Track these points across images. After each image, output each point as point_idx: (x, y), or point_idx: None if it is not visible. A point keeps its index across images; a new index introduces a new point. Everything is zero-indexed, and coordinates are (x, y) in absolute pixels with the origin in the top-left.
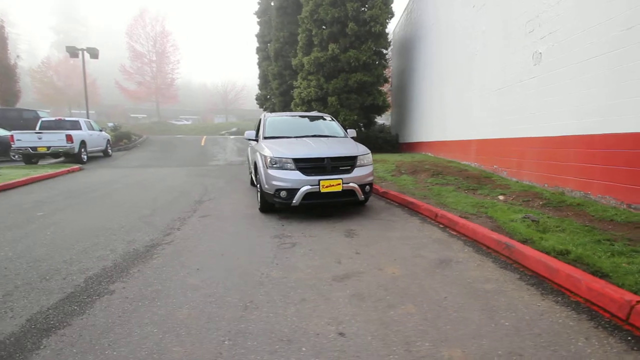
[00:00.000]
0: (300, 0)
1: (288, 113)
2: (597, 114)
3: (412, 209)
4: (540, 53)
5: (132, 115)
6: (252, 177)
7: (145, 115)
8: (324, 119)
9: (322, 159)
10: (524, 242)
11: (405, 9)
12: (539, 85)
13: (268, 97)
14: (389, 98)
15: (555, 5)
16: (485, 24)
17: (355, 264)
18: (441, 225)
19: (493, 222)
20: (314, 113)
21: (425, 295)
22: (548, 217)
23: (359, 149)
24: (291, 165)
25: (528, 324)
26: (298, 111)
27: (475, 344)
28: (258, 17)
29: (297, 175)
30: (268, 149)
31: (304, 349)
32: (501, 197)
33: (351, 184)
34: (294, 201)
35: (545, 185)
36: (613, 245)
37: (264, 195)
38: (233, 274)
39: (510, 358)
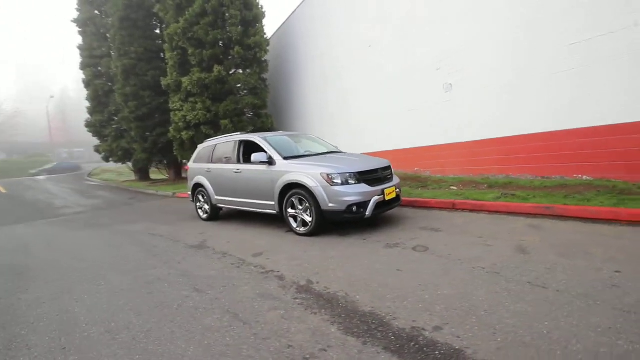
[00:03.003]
0: (160, 15)
1: (271, 134)
2: (503, 122)
3: (419, 207)
4: (451, 84)
5: None
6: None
7: None
8: (309, 136)
9: (376, 170)
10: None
11: (275, 33)
12: (451, 107)
13: (110, 122)
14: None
15: (459, 52)
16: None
17: (493, 248)
18: (468, 211)
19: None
20: (296, 132)
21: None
22: (513, 193)
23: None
24: (355, 179)
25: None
26: (184, 136)
27: None
28: (79, 26)
29: (365, 187)
30: (321, 167)
31: None
32: (454, 188)
33: (397, 190)
34: (367, 213)
35: (471, 175)
36: (566, 197)
37: (326, 214)
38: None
39: None
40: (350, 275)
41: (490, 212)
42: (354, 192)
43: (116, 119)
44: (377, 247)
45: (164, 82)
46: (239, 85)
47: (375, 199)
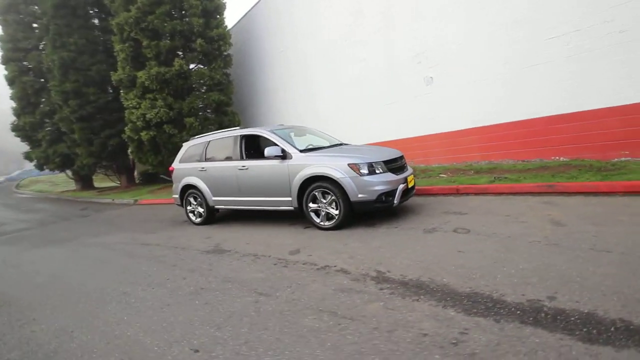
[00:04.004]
0: (106, 2)
1: (274, 127)
2: (483, 112)
3: (422, 195)
4: (432, 77)
5: None
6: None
7: None
8: (309, 129)
9: (397, 159)
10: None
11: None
12: (432, 99)
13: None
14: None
15: (440, 47)
16: (370, 57)
17: (529, 224)
18: (472, 195)
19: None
20: (296, 125)
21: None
22: (505, 176)
23: None
24: (382, 168)
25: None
26: (143, 136)
27: None
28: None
29: (391, 176)
30: (347, 158)
31: None
32: (443, 175)
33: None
34: (395, 202)
35: (454, 163)
36: (554, 176)
37: (355, 205)
38: None
39: None
40: (416, 261)
41: (495, 194)
42: (383, 181)
43: (51, 120)
44: (416, 233)
45: (114, 76)
46: (201, 81)
47: (401, 186)
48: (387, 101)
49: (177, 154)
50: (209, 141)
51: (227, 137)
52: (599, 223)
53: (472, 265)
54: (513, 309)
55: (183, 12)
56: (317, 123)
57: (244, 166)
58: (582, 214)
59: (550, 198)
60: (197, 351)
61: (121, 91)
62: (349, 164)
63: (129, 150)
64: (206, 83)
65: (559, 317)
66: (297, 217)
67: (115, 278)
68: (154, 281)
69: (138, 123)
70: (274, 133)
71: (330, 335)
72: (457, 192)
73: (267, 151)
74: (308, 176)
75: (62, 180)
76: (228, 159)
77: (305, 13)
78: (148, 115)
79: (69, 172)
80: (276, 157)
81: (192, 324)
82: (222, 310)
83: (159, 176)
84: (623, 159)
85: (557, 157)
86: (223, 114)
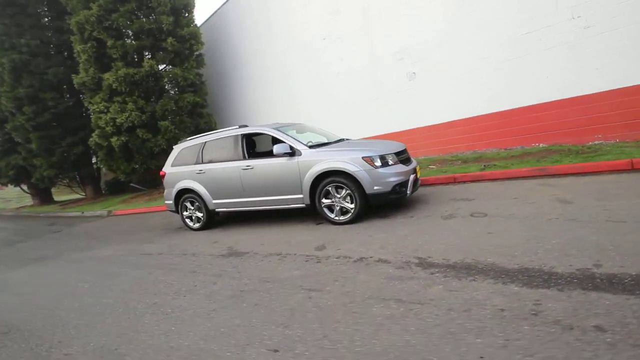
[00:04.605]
0: (61, 0)
1: (275, 124)
2: (466, 104)
3: (421, 185)
4: (414, 73)
5: None
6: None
7: None
8: (307, 126)
9: (403, 151)
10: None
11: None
12: (415, 93)
13: None
14: None
15: (422, 41)
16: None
17: (540, 204)
18: (469, 182)
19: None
20: (294, 122)
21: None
22: (494, 163)
23: None
24: (393, 159)
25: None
26: (114, 142)
27: None
28: None
29: (403, 167)
30: (360, 151)
31: None
32: (433, 167)
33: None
34: (408, 192)
35: (441, 154)
36: (538, 160)
37: (370, 198)
38: None
39: None
40: (450, 245)
41: (491, 180)
42: (397, 172)
43: (2, 130)
44: (435, 220)
45: (76, 79)
46: (174, 82)
47: (412, 177)
48: (371, 97)
49: (153, 159)
50: (205, 142)
51: (225, 137)
52: (601, 198)
53: (508, 244)
54: (569, 279)
55: (150, 9)
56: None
57: (248, 166)
58: (583, 192)
59: (544, 180)
60: (276, 351)
61: (83, 95)
62: (363, 157)
63: (98, 159)
64: (180, 84)
65: (614, 281)
66: (303, 214)
67: (133, 290)
68: (181, 289)
69: (107, 128)
70: (279, 130)
71: (408, 320)
72: (455, 181)
73: (276, 149)
74: (321, 171)
75: (15, 196)
76: (229, 159)
77: (282, 11)
78: (118, 120)
79: (24, 186)
80: (285, 154)
81: (254, 325)
82: (279, 310)
83: (130, 185)
84: (597, 142)
85: (537, 144)
86: (198, 116)
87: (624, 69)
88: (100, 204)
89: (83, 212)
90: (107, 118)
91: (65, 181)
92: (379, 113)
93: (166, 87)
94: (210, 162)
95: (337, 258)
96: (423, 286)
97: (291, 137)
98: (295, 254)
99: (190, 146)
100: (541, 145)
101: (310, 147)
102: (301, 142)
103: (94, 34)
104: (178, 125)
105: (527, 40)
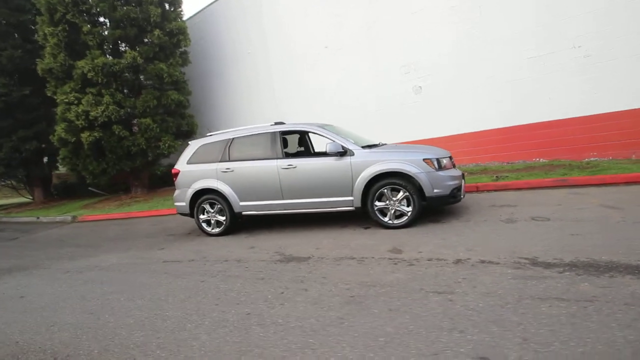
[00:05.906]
0: None
1: (311, 124)
2: (471, 119)
3: None
4: (420, 87)
5: None
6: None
7: None
8: (342, 129)
9: (451, 157)
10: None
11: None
12: (420, 107)
13: None
14: None
15: (430, 57)
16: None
17: (592, 210)
18: (493, 191)
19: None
20: (328, 124)
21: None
22: (506, 175)
23: None
24: (449, 162)
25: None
26: (84, 138)
27: None
28: None
29: (458, 171)
30: (420, 154)
31: None
32: None
33: None
34: (462, 196)
35: None
36: (547, 173)
37: (430, 201)
38: None
39: None
40: (547, 246)
41: (515, 189)
42: (454, 176)
43: None
44: (498, 224)
45: (41, 65)
46: (158, 77)
47: (463, 182)
48: (373, 109)
49: (129, 160)
50: (233, 138)
51: (260, 134)
52: None
53: (606, 244)
54: None
55: None
56: None
57: (290, 165)
58: (624, 200)
59: (572, 190)
60: (483, 359)
61: (47, 84)
62: (424, 159)
63: (59, 157)
64: (165, 80)
65: None
66: (334, 218)
67: (201, 300)
68: (266, 297)
69: (78, 122)
70: (325, 129)
71: (597, 318)
72: (477, 189)
73: (329, 147)
74: (379, 172)
75: None
76: (263, 158)
77: (274, 18)
78: (92, 113)
79: None
80: (337, 154)
81: (418, 332)
82: (426, 315)
83: (88, 189)
84: (592, 159)
85: (538, 159)
86: (180, 116)
87: (620, 95)
88: (55, 209)
89: (39, 218)
90: (79, 110)
91: (10, 182)
92: (382, 125)
93: (147, 82)
94: (238, 160)
95: (428, 260)
96: (568, 284)
97: (341, 136)
98: (373, 258)
99: (211, 142)
100: (541, 160)
101: (364, 147)
102: (352, 142)
103: (68, 16)
104: (161, 124)
105: (531, 63)
